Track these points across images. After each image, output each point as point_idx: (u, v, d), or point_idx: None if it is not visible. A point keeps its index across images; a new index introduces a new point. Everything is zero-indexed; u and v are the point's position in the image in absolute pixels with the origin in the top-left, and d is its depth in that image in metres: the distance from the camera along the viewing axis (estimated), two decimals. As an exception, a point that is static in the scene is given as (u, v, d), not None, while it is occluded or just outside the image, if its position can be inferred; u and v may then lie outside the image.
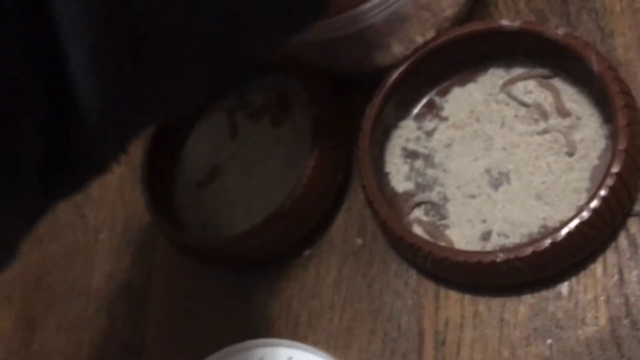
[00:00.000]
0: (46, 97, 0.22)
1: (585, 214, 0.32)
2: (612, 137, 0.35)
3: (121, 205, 0.51)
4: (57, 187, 0.25)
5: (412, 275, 0.39)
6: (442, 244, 0.37)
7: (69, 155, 0.24)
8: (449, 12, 0.41)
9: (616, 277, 0.34)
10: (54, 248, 0.52)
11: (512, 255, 0.33)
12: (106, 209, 0.51)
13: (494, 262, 0.33)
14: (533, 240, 0.33)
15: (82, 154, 0.25)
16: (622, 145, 0.33)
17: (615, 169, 0.32)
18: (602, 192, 0.32)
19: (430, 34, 0.41)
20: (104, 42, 0.22)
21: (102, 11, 0.22)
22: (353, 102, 0.44)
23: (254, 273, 0.43)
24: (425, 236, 0.38)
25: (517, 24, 0.37)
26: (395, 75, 0.40)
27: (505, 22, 0.38)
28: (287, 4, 0.29)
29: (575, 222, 0.32)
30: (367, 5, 0.37)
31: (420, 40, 0.41)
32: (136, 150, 0.46)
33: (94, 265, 0.50)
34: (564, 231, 0.32)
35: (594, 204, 0.32)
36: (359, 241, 0.42)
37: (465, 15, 0.43)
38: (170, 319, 0.45)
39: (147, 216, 0.50)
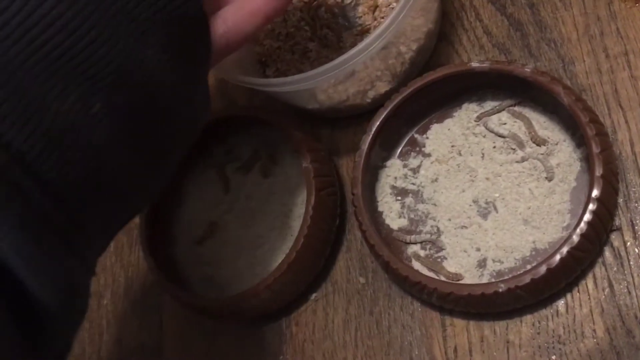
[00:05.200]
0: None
1: (574, 239, 0.35)
2: (586, 161, 0.38)
3: (120, 268, 0.52)
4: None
5: (417, 307, 0.41)
6: (442, 277, 0.40)
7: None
8: (414, 46, 0.43)
9: (607, 289, 0.37)
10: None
11: (512, 285, 0.35)
12: (106, 273, 0.52)
13: (496, 293, 0.36)
14: (530, 269, 0.36)
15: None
16: (598, 172, 0.35)
17: (595, 194, 0.35)
18: (587, 217, 0.35)
19: (403, 67, 0.43)
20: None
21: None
22: (338, 145, 0.47)
23: (265, 323, 0.45)
24: (425, 270, 0.40)
25: (486, 65, 0.40)
26: (378, 121, 0.42)
27: (475, 64, 0.40)
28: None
29: (566, 248, 0.35)
30: (356, 49, 0.38)
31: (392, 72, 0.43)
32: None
33: (101, 330, 0.51)
34: (557, 257, 0.35)
35: (581, 228, 0.35)
36: (362, 280, 0.44)
37: (432, 50, 0.46)
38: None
39: (149, 277, 0.51)
